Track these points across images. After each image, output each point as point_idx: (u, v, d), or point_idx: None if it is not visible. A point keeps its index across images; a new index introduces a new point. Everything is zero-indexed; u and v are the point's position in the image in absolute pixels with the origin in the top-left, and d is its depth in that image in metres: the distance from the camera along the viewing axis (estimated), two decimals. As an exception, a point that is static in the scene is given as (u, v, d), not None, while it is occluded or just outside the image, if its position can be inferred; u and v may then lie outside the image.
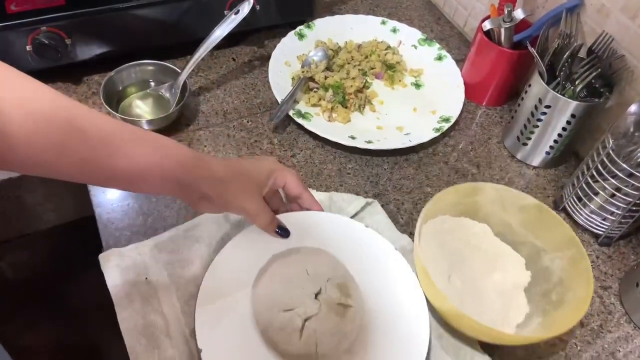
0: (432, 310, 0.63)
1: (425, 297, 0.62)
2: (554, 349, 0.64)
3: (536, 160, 0.86)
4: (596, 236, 0.77)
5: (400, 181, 0.81)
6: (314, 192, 0.74)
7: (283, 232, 0.65)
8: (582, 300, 0.58)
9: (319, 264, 0.64)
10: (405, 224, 0.75)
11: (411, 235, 0.74)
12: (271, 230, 0.64)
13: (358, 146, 0.82)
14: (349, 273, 0.64)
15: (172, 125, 0.82)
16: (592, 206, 0.74)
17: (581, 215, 0.76)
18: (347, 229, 0.69)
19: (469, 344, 0.61)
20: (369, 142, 0.83)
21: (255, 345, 0.57)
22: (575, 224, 0.77)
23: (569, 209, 0.78)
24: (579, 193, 0.74)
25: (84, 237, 0.75)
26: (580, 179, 0.74)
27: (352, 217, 0.72)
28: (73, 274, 0.86)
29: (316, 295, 0.61)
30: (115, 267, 0.64)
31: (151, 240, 0.67)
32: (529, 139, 0.84)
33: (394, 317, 0.61)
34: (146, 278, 0.63)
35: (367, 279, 0.64)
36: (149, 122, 0.79)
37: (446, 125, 0.87)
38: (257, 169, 0.61)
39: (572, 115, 0.77)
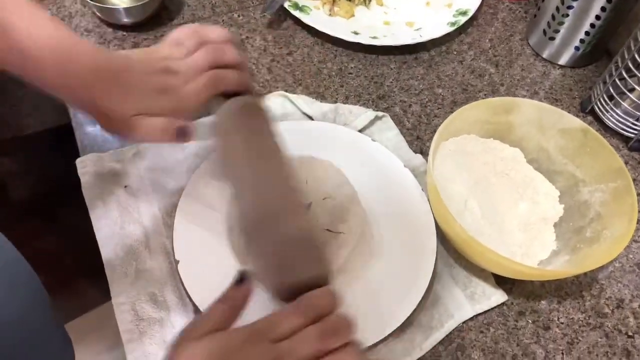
0: (444, 237, 0.57)
1: (436, 222, 0.56)
2: (580, 287, 0.58)
3: (563, 58, 0.76)
4: (626, 140, 0.69)
5: (408, 82, 0.73)
6: (317, 103, 0.67)
7: (183, 133, 0.48)
8: (620, 238, 0.51)
9: (322, 177, 0.58)
10: (413, 128, 0.68)
11: (422, 151, 0.67)
12: (172, 137, 0.48)
13: (362, 42, 0.73)
14: (356, 194, 0.57)
15: (154, 19, 0.73)
16: (625, 105, 0.65)
17: (612, 116, 0.67)
18: (352, 142, 0.62)
19: (482, 277, 0.56)
20: (374, 37, 0.74)
21: (235, 259, 0.53)
22: (604, 127, 0.69)
23: (597, 110, 0.69)
24: (611, 90, 0.66)
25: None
26: (614, 73, 0.65)
27: (360, 131, 0.65)
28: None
29: None
30: (93, 173, 0.58)
31: (133, 147, 0.62)
32: (557, 32, 0.74)
33: (397, 240, 0.56)
34: (126, 186, 0.58)
35: (371, 198, 0.58)
36: (127, 11, 0.71)
37: (463, 19, 0.77)
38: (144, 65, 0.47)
39: (608, 1, 0.66)
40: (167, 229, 0.55)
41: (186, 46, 0.49)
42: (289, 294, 0.40)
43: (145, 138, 0.47)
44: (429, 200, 0.58)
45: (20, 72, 0.43)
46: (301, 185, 0.51)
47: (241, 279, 0.39)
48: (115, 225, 0.55)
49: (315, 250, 0.43)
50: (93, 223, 0.55)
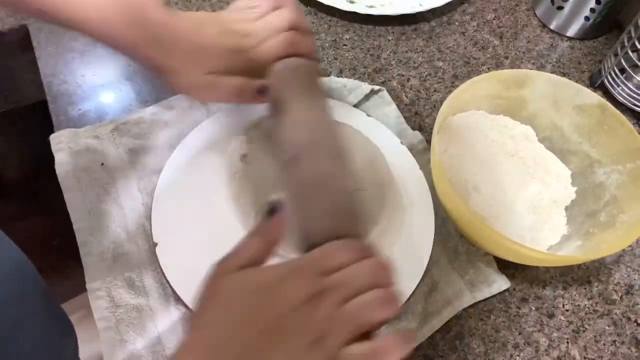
0: (445, 220, 0.53)
1: (437, 203, 0.52)
2: (588, 272, 0.54)
3: (572, 30, 0.72)
4: (637, 116, 0.65)
5: (406, 54, 0.69)
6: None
7: (263, 91, 0.48)
8: (637, 222, 0.47)
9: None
10: (411, 103, 0.64)
11: (421, 127, 0.63)
12: (250, 96, 0.48)
13: (358, 12, 0.68)
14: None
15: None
16: (637, 78, 0.61)
17: (623, 90, 0.63)
18: (346, 118, 0.58)
19: (485, 262, 0.52)
20: (371, 6, 0.70)
21: (216, 240, 0.49)
22: (614, 102, 0.65)
23: (608, 84, 0.65)
24: (623, 63, 0.61)
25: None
26: (626, 44, 0.60)
27: (354, 107, 0.61)
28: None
29: None
30: (67, 150, 0.55)
31: (111, 123, 0.58)
32: (566, 0, 0.69)
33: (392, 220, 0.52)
34: (102, 164, 0.54)
35: (363, 176, 0.54)
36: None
37: (465, -13, 0.73)
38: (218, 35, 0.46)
39: (622, -34, 0.62)
40: (146, 209, 0.52)
41: (261, 8, 0.49)
42: (321, 242, 0.38)
43: (221, 97, 0.47)
44: (429, 179, 0.54)
45: (88, 31, 0.42)
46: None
47: (272, 210, 0.36)
48: (90, 205, 0.52)
49: (356, 211, 0.42)
50: (67, 203, 0.51)
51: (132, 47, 0.43)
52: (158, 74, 0.45)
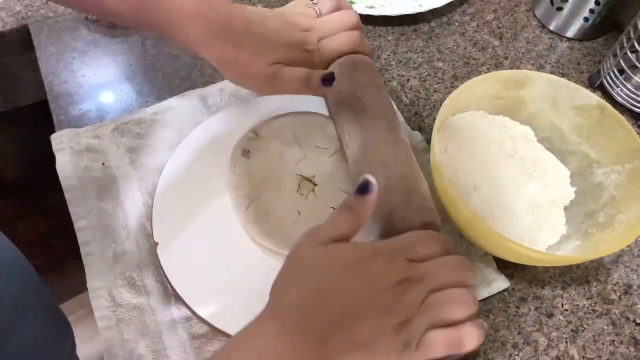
0: (444, 220, 0.53)
1: (436, 203, 0.52)
2: (587, 272, 0.54)
3: (571, 30, 0.72)
4: (636, 116, 0.65)
5: (406, 54, 0.69)
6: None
7: (329, 79, 0.47)
8: (636, 222, 0.47)
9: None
10: (411, 103, 0.64)
11: (420, 128, 0.63)
12: (314, 86, 0.47)
13: (358, 12, 0.68)
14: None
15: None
16: (636, 79, 0.61)
17: (622, 91, 0.64)
18: None
19: (484, 262, 0.52)
20: (371, 7, 0.70)
21: (217, 240, 0.50)
22: (613, 103, 0.65)
23: (607, 84, 0.65)
24: (622, 64, 0.62)
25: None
26: (625, 45, 0.60)
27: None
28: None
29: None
30: (68, 150, 0.55)
31: (112, 122, 0.58)
32: (565, 1, 0.70)
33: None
34: (103, 164, 0.55)
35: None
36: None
37: (465, -12, 0.73)
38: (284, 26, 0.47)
39: (621, -33, 0.62)
40: (147, 209, 0.52)
41: (323, 6, 0.50)
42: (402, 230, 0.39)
43: (286, 87, 0.47)
44: (428, 179, 0.54)
45: (165, 29, 0.44)
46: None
47: (363, 188, 0.37)
48: (91, 205, 0.52)
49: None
50: (68, 202, 0.52)
51: (199, 39, 0.44)
52: (221, 66, 0.45)
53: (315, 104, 0.57)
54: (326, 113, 0.56)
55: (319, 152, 0.54)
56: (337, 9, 0.51)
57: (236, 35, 0.44)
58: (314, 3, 0.51)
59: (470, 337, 0.35)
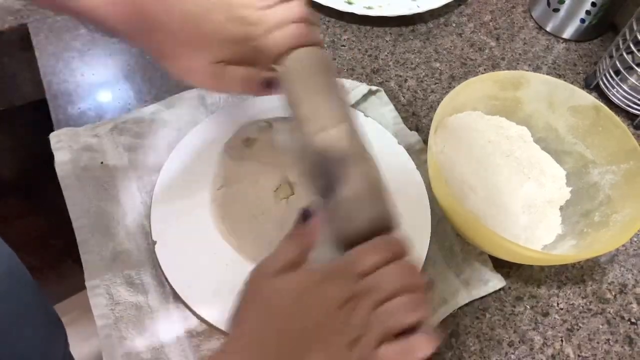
0: (441, 219, 0.54)
1: (433, 203, 0.53)
2: (582, 271, 0.55)
3: (568, 32, 0.73)
4: (632, 117, 0.65)
5: (404, 55, 0.69)
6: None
7: (270, 83, 0.47)
8: (630, 222, 0.47)
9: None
10: (408, 104, 0.64)
11: (418, 128, 0.63)
12: (256, 88, 0.47)
13: (355, 12, 0.69)
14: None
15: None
16: (632, 80, 0.62)
17: (618, 92, 0.64)
18: None
19: (480, 261, 0.53)
20: (369, 7, 0.70)
21: (214, 239, 0.50)
22: (609, 104, 0.66)
23: (603, 85, 0.66)
24: (617, 65, 0.62)
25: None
26: (621, 46, 0.61)
27: (352, 107, 0.62)
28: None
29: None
30: (67, 149, 0.55)
31: (111, 121, 0.58)
32: (562, 3, 0.70)
33: None
34: (102, 163, 0.55)
35: None
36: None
37: (462, -11, 0.74)
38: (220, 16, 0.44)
39: (617, -31, 0.63)
40: (145, 208, 0.52)
41: None
42: (356, 241, 0.39)
43: (227, 87, 0.46)
44: (425, 179, 0.54)
45: (91, 16, 0.41)
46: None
47: (305, 216, 0.38)
48: (90, 204, 0.52)
49: (384, 196, 0.42)
50: (67, 201, 0.52)
51: (136, 32, 0.42)
52: (161, 60, 0.43)
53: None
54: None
55: None
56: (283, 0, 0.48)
57: (176, 29, 0.42)
58: None
59: (422, 345, 0.35)
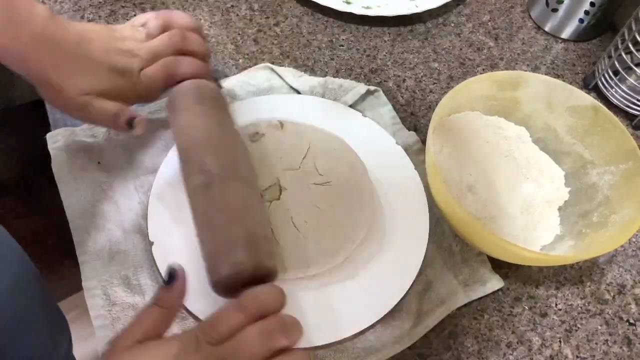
0: (439, 220, 0.54)
1: (432, 203, 0.53)
2: (580, 272, 0.54)
3: (567, 32, 0.73)
4: (631, 118, 0.65)
5: (402, 55, 0.69)
6: (305, 76, 0.63)
7: (132, 124, 0.47)
8: (629, 223, 0.47)
9: (331, 156, 0.54)
10: (406, 104, 0.64)
11: (416, 128, 0.63)
12: (120, 126, 0.47)
13: (354, 12, 0.69)
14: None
15: (133, -13, 0.69)
16: (630, 80, 0.61)
17: (616, 92, 0.64)
18: (341, 118, 0.58)
19: (479, 262, 0.52)
20: (368, 7, 0.70)
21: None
22: (607, 104, 0.66)
23: (602, 86, 0.66)
24: (616, 65, 0.62)
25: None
26: (619, 46, 0.61)
27: (350, 107, 0.61)
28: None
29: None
30: (64, 148, 0.55)
31: (109, 121, 0.58)
32: (560, 3, 0.70)
33: (387, 220, 0.53)
34: (99, 162, 0.55)
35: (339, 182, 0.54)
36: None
37: (461, -11, 0.73)
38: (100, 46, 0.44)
39: (616, -31, 0.63)
40: (143, 208, 0.52)
41: (149, 29, 0.47)
42: (231, 287, 0.38)
43: (94, 121, 0.46)
44: (423, 180, 0.54)
45: None
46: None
47: (170, 278, 0.36)
48: (87, 204, 0.52)
49: (263, 243, 0.41)
50: (63, 201, 0.52)
51: (13, 56, 0.41)
52: (35, 83, 0.43)
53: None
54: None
55: (313, 176, 0.52)
56: (166, 27, 0.47)
57: (54, 59, 0.41)
58: (143, 25, 0.48)
59: None
